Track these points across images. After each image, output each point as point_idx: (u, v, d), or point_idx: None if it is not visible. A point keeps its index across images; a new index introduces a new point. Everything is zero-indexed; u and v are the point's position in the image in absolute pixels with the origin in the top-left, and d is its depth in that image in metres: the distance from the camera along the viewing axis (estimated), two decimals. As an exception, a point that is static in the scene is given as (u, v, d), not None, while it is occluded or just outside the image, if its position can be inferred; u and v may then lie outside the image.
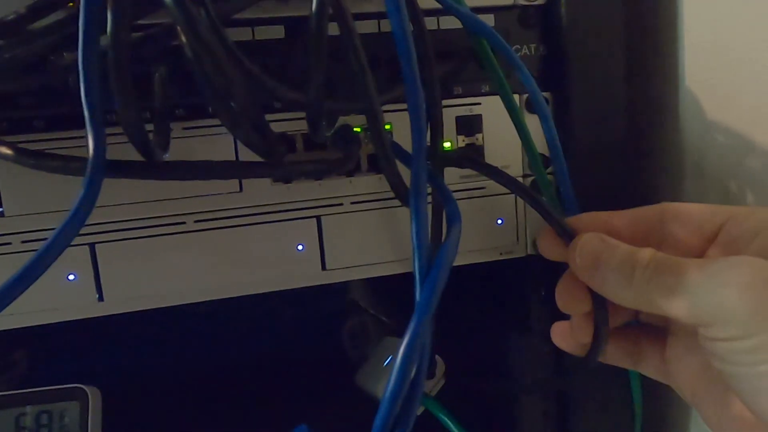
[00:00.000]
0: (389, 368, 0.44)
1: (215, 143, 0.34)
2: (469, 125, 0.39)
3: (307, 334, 0.51)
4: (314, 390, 0.47)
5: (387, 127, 0.38)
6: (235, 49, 0.21)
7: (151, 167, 0.22)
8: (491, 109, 0.39)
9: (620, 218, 0.30)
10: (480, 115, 0.39)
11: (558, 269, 0.31)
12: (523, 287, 0.43)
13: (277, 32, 0.35)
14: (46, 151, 0.24)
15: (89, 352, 0.46)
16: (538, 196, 0.31)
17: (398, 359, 0.21)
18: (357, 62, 0.25)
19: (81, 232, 0.34)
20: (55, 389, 0.41)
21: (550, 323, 0.41)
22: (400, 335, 0.47)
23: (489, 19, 0.38)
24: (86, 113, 0.22)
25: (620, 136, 0.40)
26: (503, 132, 0.38)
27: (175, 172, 0.22)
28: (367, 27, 0.36)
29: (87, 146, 0.22)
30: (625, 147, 0.40)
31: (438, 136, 0.34)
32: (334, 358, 0.52)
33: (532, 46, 0.40)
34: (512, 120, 0.36)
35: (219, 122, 0.24)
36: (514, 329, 0.44)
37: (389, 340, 0.45)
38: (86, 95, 0.22)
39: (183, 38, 0.20)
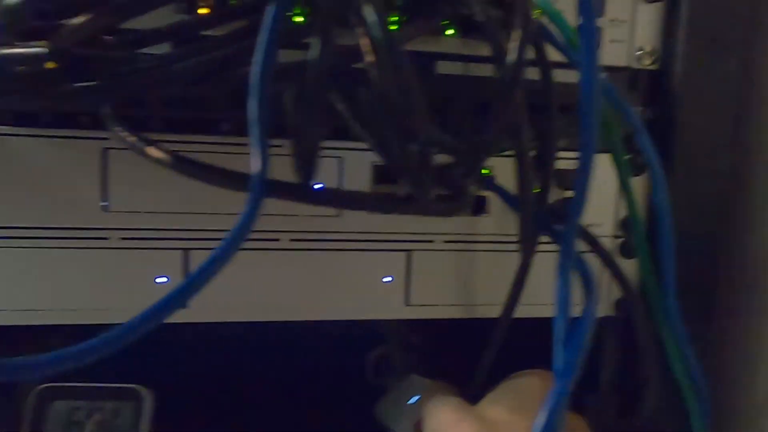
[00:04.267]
0: (413, 407, 0.43)
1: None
2: (566, 179, 0.39)
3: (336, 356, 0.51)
4: (333, 413, 0.47)
5: (485, 171, 0.38)
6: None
7: (307, 191, 0.22)
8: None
9: None
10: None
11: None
12: (598, 348, 0.42)
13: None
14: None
15: (140, 354, 0.46)
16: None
17: (541, 421, 0.20)
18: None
19: (175, 236, 0.35)
20: (112, 387, 0.40)
21: (621, 386, 0.40)
22: (425, 375, 0.46)
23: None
24: (255, 130, 0.22)
25: (715, 209, 0.39)
26: (597, 189, 0.38)
27: (328, 200, 0.22)
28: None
29: (252, 162, 0.22)
30: (720, 219, 0.39)
31: (548, 188, 0.34)
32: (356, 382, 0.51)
33: (639, 109, 0.39)
34: (620, 181, 0.35)
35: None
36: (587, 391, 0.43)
37: (415, 378, 0.44)
38: (258, 113, 0.21)
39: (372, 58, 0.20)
